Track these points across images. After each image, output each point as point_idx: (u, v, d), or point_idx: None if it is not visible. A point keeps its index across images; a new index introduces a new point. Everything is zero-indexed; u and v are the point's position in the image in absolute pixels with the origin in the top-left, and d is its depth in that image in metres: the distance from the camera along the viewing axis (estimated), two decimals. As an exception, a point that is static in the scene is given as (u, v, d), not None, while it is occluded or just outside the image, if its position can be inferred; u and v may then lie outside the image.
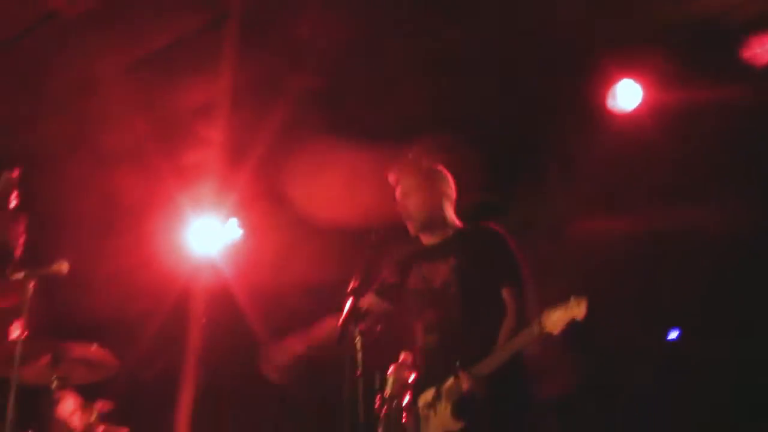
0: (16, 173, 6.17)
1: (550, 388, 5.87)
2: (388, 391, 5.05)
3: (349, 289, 4.84)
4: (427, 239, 5.69)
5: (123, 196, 6.25)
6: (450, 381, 5.18)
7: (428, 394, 5.27)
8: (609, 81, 6.68)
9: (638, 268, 6.41)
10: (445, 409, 5.18)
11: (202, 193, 6.21)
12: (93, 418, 5.60)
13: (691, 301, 6.37)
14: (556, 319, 4.89)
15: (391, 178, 5.74)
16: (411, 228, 5.56)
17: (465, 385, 5.10)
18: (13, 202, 6.14)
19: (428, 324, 5.52)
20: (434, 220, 5.67)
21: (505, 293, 5.39)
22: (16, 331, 5.33)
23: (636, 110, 6.67)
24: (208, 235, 6.33)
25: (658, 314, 6.45)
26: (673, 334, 6.42)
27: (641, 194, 6.57)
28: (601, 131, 6.71)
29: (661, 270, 6.40)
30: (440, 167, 5.79)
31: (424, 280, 5.64)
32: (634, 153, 6.64)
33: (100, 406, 5.79)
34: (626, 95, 6.69)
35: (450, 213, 5.71)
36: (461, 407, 5.15)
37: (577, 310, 4.88)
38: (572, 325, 4.88)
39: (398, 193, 5.64)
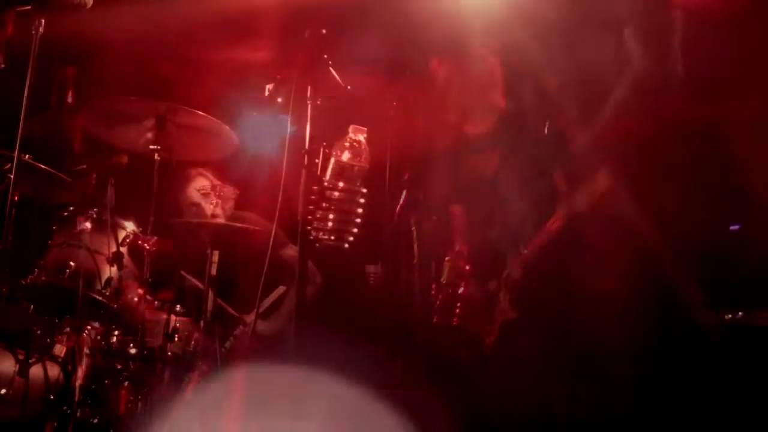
0: (71, 71, 6.13)
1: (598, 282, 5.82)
2: (444, 279, 5.05)
3: (404, 179, 4.80)
4: (472, 128, 5.41)
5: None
6: (506, 271, 5.09)
7: (492, 285, 5.16)
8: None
9: (698, 161, 6.16)
10: (504, 298, 5.09)
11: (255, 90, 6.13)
12: None
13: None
14: (581, 198, 4.83)
15: (433, 65, 5.48)
16: (452, 117, 5.36)
17: (516, 273, 5.04)
18: (70, 98, 6.07)
19: (483, 216, 5.33)
20: (477, 106, 5.36)
21: (556, 177, 5.12)
22: (81, 224, 5.36)
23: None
24: (262, 131, 6.26)
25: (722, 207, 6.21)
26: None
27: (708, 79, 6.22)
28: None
29: (726, 161, 6.14)
30: (486, 51, 5.41)
31: (474, 173, 5.42)
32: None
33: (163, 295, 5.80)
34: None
35: (496, 97, 5.37)
36: (516, 296, 5.08)
37: (599, 183, 4.81)
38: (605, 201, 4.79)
39: (440, 79, 5.40)
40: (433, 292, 5.15)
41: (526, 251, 5.03)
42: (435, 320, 5.07)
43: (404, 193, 4.95)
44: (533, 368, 5.19)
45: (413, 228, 4.95)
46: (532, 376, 5.20)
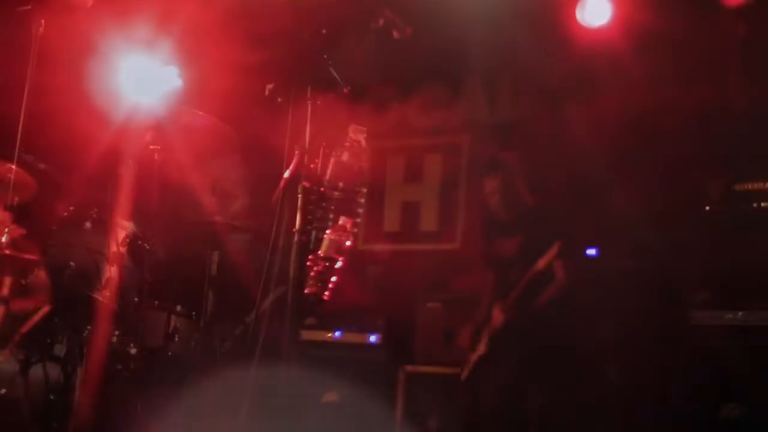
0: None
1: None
2: (322, 252, 5.07)
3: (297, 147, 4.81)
4: None
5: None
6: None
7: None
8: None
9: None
10: (483, 338, 5.62)
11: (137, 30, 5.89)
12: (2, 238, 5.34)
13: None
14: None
15: None
16: None
17: (498, 320, 5.52)
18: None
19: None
20: None
21: None
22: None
23: (605, 26, 6.41)
24: (143, 79, 5.69)
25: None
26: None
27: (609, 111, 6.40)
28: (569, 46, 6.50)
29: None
30: None
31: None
32: (603, 69, 6.43)
33: (13, 229, 5.57)
34: (595, 11, 6.41)
35: None
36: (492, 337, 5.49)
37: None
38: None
39: None
40: (309, 263, 5.20)
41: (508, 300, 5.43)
42: (307, 291, 5.12)
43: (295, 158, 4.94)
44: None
45: (299, 195, 4.98)
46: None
